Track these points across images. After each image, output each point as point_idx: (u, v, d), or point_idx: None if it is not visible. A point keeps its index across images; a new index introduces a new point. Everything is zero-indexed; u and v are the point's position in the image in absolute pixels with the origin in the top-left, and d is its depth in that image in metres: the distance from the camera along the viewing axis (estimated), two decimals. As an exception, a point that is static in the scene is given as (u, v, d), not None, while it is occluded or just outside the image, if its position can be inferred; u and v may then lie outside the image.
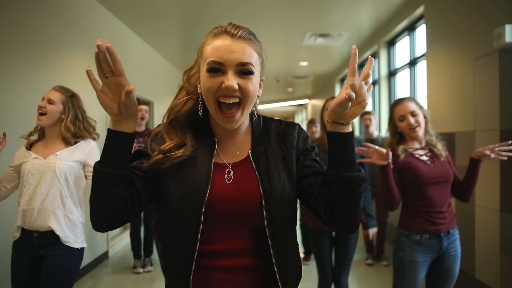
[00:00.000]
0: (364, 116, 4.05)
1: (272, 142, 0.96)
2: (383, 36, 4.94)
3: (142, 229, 3.93)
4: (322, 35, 5.28)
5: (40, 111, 1.85)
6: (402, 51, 4.80)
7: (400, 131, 2.01)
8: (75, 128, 1.89)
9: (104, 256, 4.10)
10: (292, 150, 0.96)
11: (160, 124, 0.99)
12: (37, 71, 2.93)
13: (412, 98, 2.02)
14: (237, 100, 0.86)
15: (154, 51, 6.07)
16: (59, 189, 1.81)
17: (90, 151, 1.91)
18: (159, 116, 6.11)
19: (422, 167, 1.90)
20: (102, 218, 0.87)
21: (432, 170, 1.91)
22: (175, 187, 0.88)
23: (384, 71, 5.13)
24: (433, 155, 1.96)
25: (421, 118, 1.94)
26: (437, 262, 1.92)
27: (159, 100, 6.29)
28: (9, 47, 2.63)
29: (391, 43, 5.00)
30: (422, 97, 4.09)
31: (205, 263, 0.88)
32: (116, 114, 0.83)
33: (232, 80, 0.83)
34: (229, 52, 0.84)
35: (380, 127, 5.03)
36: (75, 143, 1.89)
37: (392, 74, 5.03)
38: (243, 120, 0.91)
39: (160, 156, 0.88)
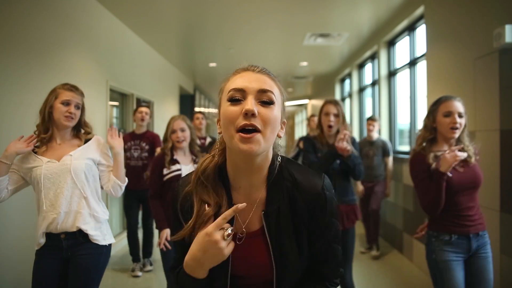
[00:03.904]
0: (368, 121, 4.41)
1: (285, 202, 0.89)
2: (383, 36, 4.93)
3: (140, 231, 3.92)
4: (322, 35, 5.28)
5: (71, 116, 1.85)
6: (402, 51, 4.80)
7: (435, 127, 1.94)
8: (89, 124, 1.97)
9: (104, 256, 4.10)
10: (302, 217, 0.90)
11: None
12: (37, 70, 2.92)
13: (461, 100, 1.93)
14: (256, 129, 0.82)
15: (154, 51, 6.07)
16: (80, 189, 1.80)
17: (104, 147, 1.95)
18: (159, 116, 6.11)
19: (453, 176, 1.85)
20: None
21: (462, 177, 1.86)
22: None
23: (384, 71, 5.13)
24: (463, 160, 1.88)
25: (463, 122, 1.89)
26: (467, 264, 1.88)
27: (159, 100, 6.29)
28: (8, 47, 2.63)
29: (391, 43, 5.00)
30: (422, 97, 4.09)
31: None
32: None
33: (252, 105, 0.81)
34: (250, 81, 0.85)
35: (380, 130, 5.04)
36: (85, 141, 1.91)
37: (392, 74, 5.02)
38: (264, 150, 0.84)
39: (189, 231, 0.87)
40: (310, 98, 12.35)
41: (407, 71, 4.50)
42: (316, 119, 3.53)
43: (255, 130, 0.81)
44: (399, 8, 4.22)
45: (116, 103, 4.90)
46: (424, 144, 1.97)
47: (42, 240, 1.78)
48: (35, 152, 1.83)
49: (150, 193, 2.56)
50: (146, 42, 5.57)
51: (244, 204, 0.81)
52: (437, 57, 3.51)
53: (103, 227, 1.87)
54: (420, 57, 4.12)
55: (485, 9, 2.76)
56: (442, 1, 3.41)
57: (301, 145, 4.33)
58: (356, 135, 6.91)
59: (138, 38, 5.30)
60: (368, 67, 6.31)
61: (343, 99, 8.13)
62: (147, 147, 3.72)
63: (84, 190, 1.81)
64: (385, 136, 4.95)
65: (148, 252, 3.87)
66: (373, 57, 5.77)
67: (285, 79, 8.87)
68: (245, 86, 0.84)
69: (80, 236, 1.79)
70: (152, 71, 6.03)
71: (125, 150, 3.68)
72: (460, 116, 1.88)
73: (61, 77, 3.21)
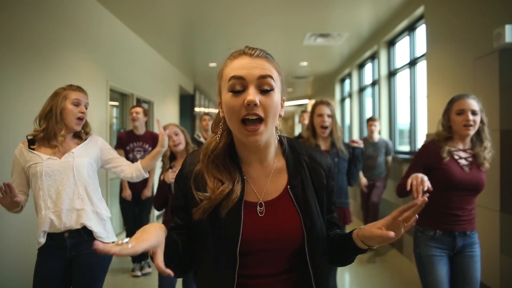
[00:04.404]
0: (369, 122, 4.45)
1: (306, 172, 0.97)
2: (383, 36, 4.93)
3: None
4: (322, 35, 5.28)
5: (81, 117, 1.86)
6: (402, 51, 4.80)
7: (450, 125, 1.94)
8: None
9: (104, 256, 4.10)
10: (323, 184, 0.99)
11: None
12: (36, 70, 2.92)
13: (477, 98, 1.92)
14: (258, 117, 0.87)
15: (154, 51, 6.07)
16: (84, 187, 1.80)
17: (102, 145, 1.97)
18: (159, 116, 6.11)
19: (456, 172, 1.87)
20: None
21: (465, 177, 1.86)
22: (209, 228, 0.90)
23: (384, 71, 5.13)
24: (474, 162, 1.89)
25: (478, 119, 1.88)
26: (453, 262, 1.91)
27: (159, 100, 6.29)
28: (8, 47, 2.63)
29: (391, 43, 5.00)
30: (422, 97, 4.09)
31: (242, 282, 0.91)
32: None
33: (253, 95, 0.84)
34: (249, 68, 0.86)
35: (380, 130, 5.04)
36: (85, 139, 1.92)
37: (392, 74, 5.03)
38: (268, 136, 0.90)
39: (209, 204, 0.89)
40: (310, 98, 12.35)
41: (407, 71, 4.50)
42: (306, 115, 3.51)
43: (258, 119, 0.86)
44: (399, 8, 4.22)
45: (116, 103, 4.90)
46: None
47: (42, 240, 1.75)
48: (33, 149, 1.79)
49: (154, 206, 2.58)
50: (146, 42, 5.57)
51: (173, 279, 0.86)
52: (437, 57, 3.51)
53: (106, 224, 1.87)
54: (420, 57, 4.12)
55: (485, 9, 2.76)
56: (442, 1, 3.41)
57: None
58: (356, 135, 6.91)
59: (138, 38, 5.30)
60: (368, 67, 6.31)
61: (343, 99, 8.14)
62: (150, 148, 3.71)
63: (86, 187, 1.81)
64: (385, 136, 4.95)
65: (144, 255, 3.82)
66: (373, 57, 5.77)
67: (285, 79, 8.78)
68: (245, 74, 0.86)
69: (85, 233, 1.78)
70: (152, 71, 6.03)
71: (128, 152, 3.67)
72: (474, 113, 1.87)
73: (61, 77, 3.21)
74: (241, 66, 0.87)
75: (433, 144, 1.97)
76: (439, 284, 1.85)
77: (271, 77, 0.87)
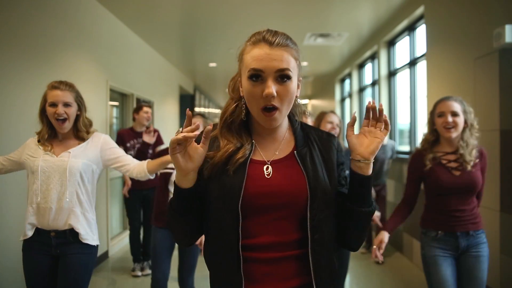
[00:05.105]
0: None
1: (315, 147, 1.02)
2: (383, 36, 4.93)
3: (141, 233, 3.92)
4: (322, 35, 5.28)
5: (60, 118, 1.78)
6: (402, 51, 4.80)
7: (435, 129, 1.96)
8: (88, 121, 1.91)
9: (104, 256, 4.10)
10: (333, 159, 1.02)
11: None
12: (37, 70, 2.92)
13: (461, 99, 1.92)
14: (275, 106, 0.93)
15: (154, 51, 6.07)
16: (75, 188, 1.78)
17: (103, 144, 1.90)
18: (159, 116, 6.11)
19: (445, 177, 1.87)
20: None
21: (454, 180, 1.86)
22: (215, 185, 0.94)
23: (384, 71, 5.13)
24: (464, 162, 1.88)
25: (460, 121, 1.87)
26: (458, 262, 1.90)
27: (159, 100, 6.29)
28: (8, 47, 2.63)
29: (391, 43, 5.00)
30: (422, 97, 4.09)
31: (248, 255, 0.93)
32: (187, 172, 0.89)
33: (271, 88, 0.89)
34: (268, 60, 0.90)
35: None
36: (86, 139, 1.88)
37: (392, 74, 5.03)
38: (282, 120, 0.97)
39: (216, 160, 0.95)
40: (310, 98, 12.35)
41: (407, 71, 4.50)
42: (304, 117, 3.51)
43: (274, 108, 0.92)
44: (399, 8, 4.22)
45: (116, 103, 4.90)
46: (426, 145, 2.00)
47: (30, 233, 1.75)
48: (39, 144, 1.82)
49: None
50: (146, 42, 5.57)
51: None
52: (437, 57, 3.51)
53: (92, 227, 1.85)
54: (420, 57, 4.12)
55: (485, 9, 2.76)
56: (442, 1, 3.41)
57: None
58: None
59: (138, 38, 5.30)
60: (368, 67, 6.31)
61: (343, 99, 8.14)
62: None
63: (77, 188, 1.79)
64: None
65: (148, 254, 3.83)
66: (373, 57, 5.77)
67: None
68: (263, 68, 0.90)
69: (70, 235, 1.77)
70: (152, 71, 6.03)
71: (129, 149, 3.68)
72: (454, 115, 1.87)
73: (60, 77, 3.14)
74: (260, 57, 0.90)
75: (419, 154, 2.00)
76: (443, 284, 1.85)
77: (288, 69, 0.91)
